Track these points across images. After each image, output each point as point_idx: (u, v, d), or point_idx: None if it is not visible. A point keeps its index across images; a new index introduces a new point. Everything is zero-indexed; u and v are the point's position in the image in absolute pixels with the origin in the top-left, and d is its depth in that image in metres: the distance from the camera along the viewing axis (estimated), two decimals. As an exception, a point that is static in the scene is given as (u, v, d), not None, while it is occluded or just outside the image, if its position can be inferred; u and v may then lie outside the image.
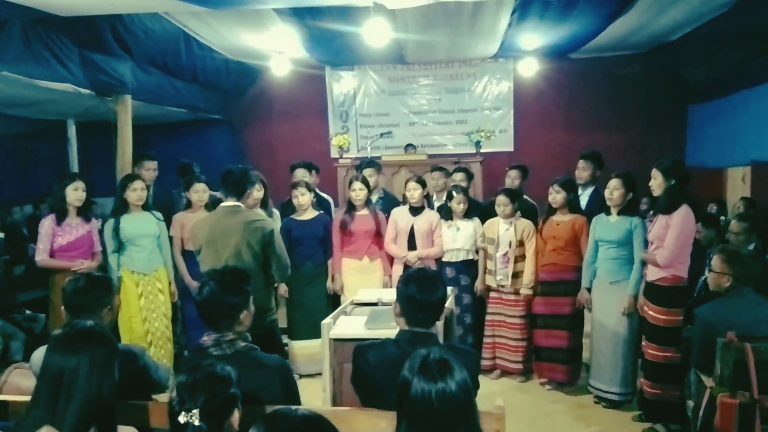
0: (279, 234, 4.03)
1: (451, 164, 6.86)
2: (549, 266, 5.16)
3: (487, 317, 5.47)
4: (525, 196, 6.20)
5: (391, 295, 4.00)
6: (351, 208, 5.57)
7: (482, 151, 7.69)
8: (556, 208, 5.16)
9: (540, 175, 7.14)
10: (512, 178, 6.20)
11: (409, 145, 8.78)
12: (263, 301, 3.89)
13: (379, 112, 9.48)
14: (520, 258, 5.32)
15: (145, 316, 5.00)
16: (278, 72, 8.32)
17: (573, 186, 5.26)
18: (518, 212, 5.50)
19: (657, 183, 4.34)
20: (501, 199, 5.35)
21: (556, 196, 5.12)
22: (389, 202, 6.16)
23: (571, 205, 5.17)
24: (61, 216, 4.88)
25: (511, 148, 9.17)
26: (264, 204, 5.45)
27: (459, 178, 6.10)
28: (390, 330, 3.19)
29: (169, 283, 5.22)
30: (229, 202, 4.03)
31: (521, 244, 5.32)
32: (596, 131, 8.90)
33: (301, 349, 5.46)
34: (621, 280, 4.70)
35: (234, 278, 2.62)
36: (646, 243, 4.56)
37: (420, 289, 2.51)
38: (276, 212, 5.79)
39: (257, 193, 5.38)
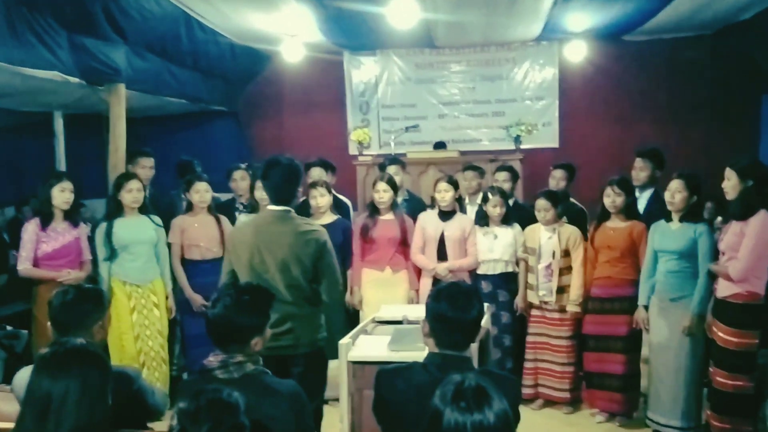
0: (332, 246, 3.90)
1: (487, 162, 6.85)
2: (602, 280, 5.13)
3: (529, 338, 5.44)
4: (572, 199, 6.17)
5: (418, 312, 4.01)
6: (374, 211, 5.58)
7: (522, 147, 7.65)
8: (613, 212, 5.13)
9: (589, 175, 7.08)
10: (557, 179, 6.16)
11: (438, 141, 8.77)
12: (312, 318, 3.84)
13: (405, 103, 9.47)
14: (566, 270, 5.29)
15: (137, 334, 5.05)
16: (290, 58, 8.36)
17: (631, 188, 5.22)
18: (563, 218, 5.46)
19: (731, 184, 4.29)
20: (541, 203, 5.33)
21: (617, 198, 5.09)
22: (415, 206, 6.17)
23: (628, 209, 5.13)
24: (46, 220, 4.94)
25: (555, 144, 9.11)
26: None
27: (502, 177, 6.08)
28: (417, 352, 3.20)
29: (166, 297, 5.27)
30: (277, 207, 3.83)
31: (567, 254, 5.29)
32: (655, 125, 8.81)
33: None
34: (683, 297, 4.65)
35: (253, 297, 2.63)
36: (712, 253, 4.50)
37: (453, 306, 2.50)
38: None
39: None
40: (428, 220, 5.61)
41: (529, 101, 9.23)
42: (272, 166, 3.80)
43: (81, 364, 2.11)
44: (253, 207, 5.68)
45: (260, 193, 5.51)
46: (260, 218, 3.98)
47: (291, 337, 3.71)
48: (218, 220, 5.50)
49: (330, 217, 5.59)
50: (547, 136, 9.06)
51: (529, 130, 7.70)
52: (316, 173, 6.22)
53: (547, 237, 5.34)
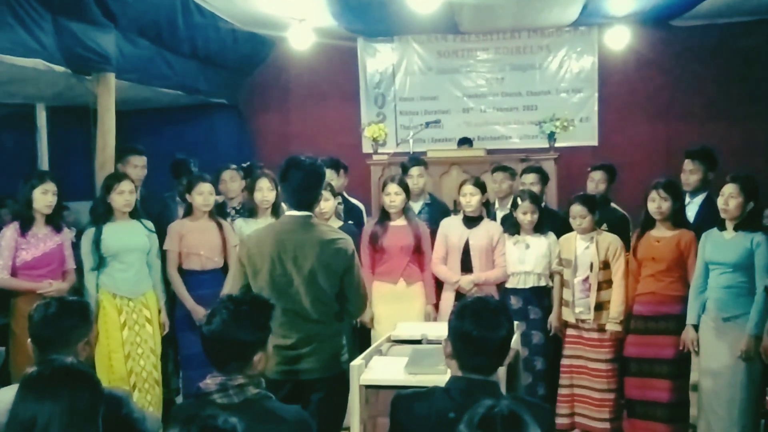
0: (357, 257, 3.90)
1: (517, 162, 6.83)
2: (646, 296, 5.10)
3: (564, 361, 5.42)
4: (613, 205, 6.15)
5: (439, 330, 4.01)
6: (384, 217, 5.59)
7: (557, 145, 7.62)
8: (659, 220, 5.10)
9: (631, 178, 7.04)
10: (596, 182, 6.14)
11: (463, 138, 8.77)
12: (336, 337, 3.83)
13: (425, 95, 9.48)
14: (605, 284, 5.27)
15: (128, 352, 5.06)
16: (298, 45, 8.39)
17: (679, 192, 5.20)
18: (603, 225, 5.44)
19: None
20: (576, 210, 5.31)
21: (663, 203, 5.06)
22: (437, 211, 6.17)
23: (676, 216, 5.10)
24: (26, 225, 4.97)
25: (594, 142, 9.08)
26: (276, 211, 5.50)
27: (530, 180, 6.06)
28: (438, 376, 3.19)
29: (159, 311, 5.29)
30: (297, 212, 3.81)
31: (606, 266, 5.27)
32: (707, 122, 8.76)
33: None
34: (739, 316, 4.62)
35: (252, 309, 2.64)
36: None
37: (478, 325, 2.50)
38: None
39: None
40: (451, 226, 5.60)
41: (564, 94, 9.21)
42: (293, 166, 3.78)
43: (70, 385, 2.13)
44: (251, 211, 5.68)
45: (261, 195, 5.52)
46: (280, 225, 3.94)
47: (314, 359, 3.70)
48: (220, 227, 5.52)
49: (334, 223, 5.58)
50: (584, 133, 9.03)
51: (564, 127, 7.66)
52: (327, 174, 6.22)
53: (584, 247, 5.32)
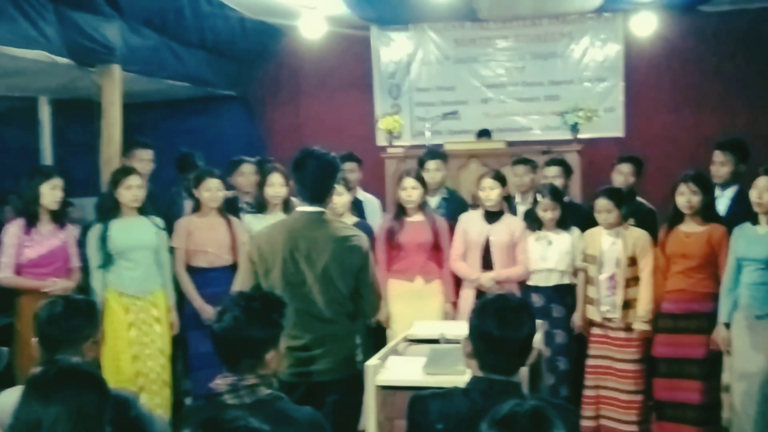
0: (372, 255, 3.94)
1: (539, 154, 6.82)
2: (675, 293, 5.10)
3: (589, 362, 5.42)
4: (639, 198, 6.13)
5: (458, 329, 4.01)
6: (401, 212, 5.60)
7: (581, 136, 7.60)
8: (689, 214, 5.08)
9: (658, 170, 7.02)
10: (625, 174, 6.14)
11: (482, 130, 8.76)
12: (351, 337, 3.86)
13: (442, 85, 9.46)
14: (632, 281, 5.26)
15: (136, 353, 5.11)
16: (309, 34, 8.40)
17: (709, 185, 5.18)
18: (630, 220, 5.43)
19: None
20: (602, 204, 5.30)
21: (692, 197, 5.05)
22: (456, 206, 6.17)
23: (707, 210, 5.09)
24: (31, 221, 5.02)
25: (620, 133, 9.03)
26: (287, 207, 5.52)
27: (552, 173, 6.06)
28: (457, 376, 3.19)
29: (168, 311, 5.32)
30: (310, 207, 3.84)
31: (633, 262, 5.26)
32: (738, 112, 8.70)
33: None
34: (773, 314, 4.61)
35: (264, 305, 2.66)
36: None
37: (500, 323, 2.50)
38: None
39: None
40: (471, 222, 5.60)
41: (588, 83, 9.16)
42: (308, 156, 3.82)
43: (77, 386, 2.14)
44: (261, 206, 5.70)
45: (273, 190, 5.54)
46: (292, 221, 3.97)
47: (328, 360, 3.73)
48: (229, 223, 5.54)
49: (348, 220, 5.60)
50: (609, 124, 8.99)
51: (588, 117, 7.64)
52: (347, 167, 6.24)
53: (610, 243, 5.31)
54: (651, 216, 5.99)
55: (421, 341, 4.23)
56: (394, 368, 3.77)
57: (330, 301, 3.73)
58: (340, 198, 5.52)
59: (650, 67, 9.03)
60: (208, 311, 5.28)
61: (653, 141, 8.68)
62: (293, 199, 5.31)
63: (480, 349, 2.54)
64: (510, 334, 2.50)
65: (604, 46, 9.12)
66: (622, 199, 5.36)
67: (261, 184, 5.73)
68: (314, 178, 3.81)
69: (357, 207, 6.19)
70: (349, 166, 6.33)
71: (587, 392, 5.41)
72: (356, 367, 3.83)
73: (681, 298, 5.07)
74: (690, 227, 5.10)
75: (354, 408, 3.83)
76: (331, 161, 3.87)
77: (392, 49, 9.55)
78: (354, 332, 3.89)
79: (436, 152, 6.42)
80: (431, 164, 6.11)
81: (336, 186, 5.43)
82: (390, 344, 4.26)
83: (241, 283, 3.90)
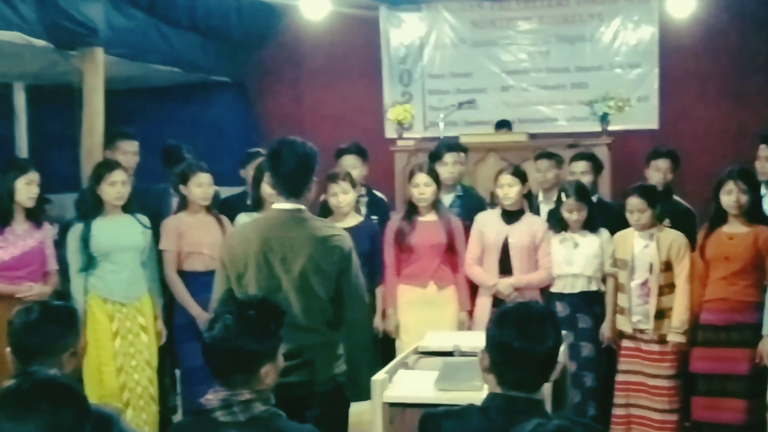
0: (356, 255, 3.94)
1: (565, 148, 6.82)
2: (715, 302, 5.10)
3: (619, 377, 5.42)
4: (676, 197, 6.12)
5: (474, 340, 4.01)
6: (412, 211, 5.61)
7: (611, 128, 7.58)
8: (735, 214, 5.08)
9: (696, 166, 7.01)
10: (662, 171, 6.13)
11: (501, 121, 8.75)
12: (331, 347, 3.87)
13: (458, 71, 9.45)
14: (667, 288, 5.26)
15: (120, 365, 5.12)
16: (312, 15, 8.41)
17: (756, 182, 5.18)
18: (665, 220, 5.42)
19: None
20: (634, 203, 5.29)
21: (741, 196, 5.05)
22: (471, 203, 6.17)
23: (752, 210, 5.08)
24: (4, 220, 5.03)
25: (654, 125, 9.01)
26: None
27: (580, 169, 6.05)
28: (472, 393, 3.20)
29: (155, 318, 5.34)
30: (286, 204, 3.87)
31: (668, 267, 5.25)
32: (785, 101, 8.69)
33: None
34: (823, 326, 4.61)
35: (260, 313, 2.65)
36: None
37: (520, 334, 2.49)
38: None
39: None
40: (488, 222, 5.60)
41: (619, 69, 9.14)
42: (281, 149, 3.84)
43: (52, 401, 2.13)
44: (256, 204, 5.71)
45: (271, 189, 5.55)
46: (266, 220, 4.00)
47: (306, 372, 3.73)
48: (220, 222, 5.56)
49: (354, 219, 5.62)
50: (643, 115, 8.96)
51: (619, 107, 7.63)
52: (350, 162, 6.23)
53: (643, 246, 5.30)
54: (689, 216, 5.98)
55: (434, 354, 4.22)
56: (404, 383, 3.77)
57: (307, 307, 3.75)
58: (346, 196, 5.53)
59: (688, 52, 9.01)
60: (206, 318, 5.27)
61: (690, 134, 8.66)
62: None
63: (498, 363, 2.53)
64: (531, 346, 2.49)
65: (638, 28, 9.09)
66: (656, 197, 5.35)
67: (257, 180, 5.72)
68: (291, 170, 3.82)
69: (375, 206, 6.17)
70: (351, 161, 6.30)
71: (617, 411, 5.42)
72: (337, 379, 3.86)
73: (722, 308, 5.07)
74: (734, 228, 5.10)
75: (337, 424, 3.86)
76: (309, 152, 3.88)
77: (403, 31, 9.54)
78: (335, 342, 3.90)
79: (453, 144, 6.42)
80: (449, 158, 6.09)
81: (341, 183, 5.51)
82: (399, 357, 4.27)
83: (215, 289, 3.93)
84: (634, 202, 5.30)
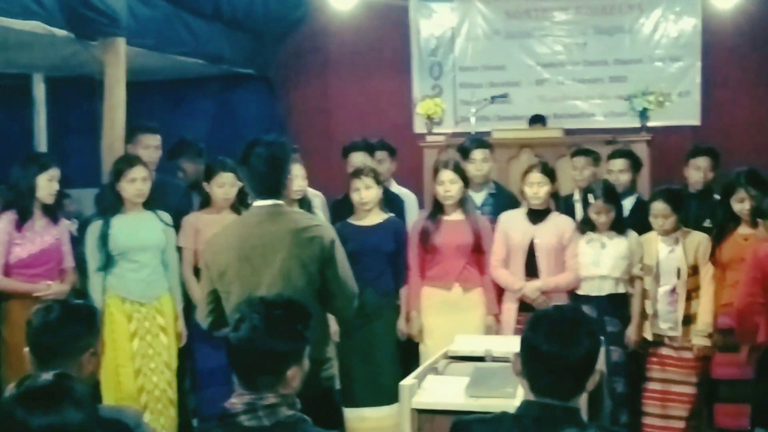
0: (341, 246, 3.99)
1: (602, 145, 6.78)
2: (730, 306, 5.06)
3: (649, 385, 5.42)
4: (716, 196, 6.07)
5: (505, 344, 4.00)
6: (437, 209, 5.60)
7: (650, 124, 7.54)
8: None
9: (738, 165, 6.95)
10: (703, 170, 6.09)
11: (536, 116, 8.73)
12: (317, 346, 3.89)
13: (490, 64, 9.44)
14: (695, 293, 5.26)
15: (139, 367, 5.15)
16: (340, 4, 8.42)
17: (763, 182, 5.19)
18: (706, 221, 5.41)
19: None
20: (658, 207, 5.27)
21: (751, 201, 5.09)
22: (504, 202, 6.14)
23: (758, 211, 5.08)
24: (23, 216, 5.06)
25: (695, 121, 8.97)
26: (303, 203, 5.53)
27: (618, 167, 6.02)
28: (505, 400, 3.19)
29: (175, 319, 5.36)
30: (265, 201, 3.93)
31: (695, 271, 5.24)
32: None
33: (359, 421, 5.52)
34: None
35: (288, 314, 2.66)
36: None
37: (551, 338, 2.47)
38: (320, 215, 5.84)
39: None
40: (513, 222, 5.58)
41: (660, 63, 9.10)
42: (255, 145, 3.90)
43: (58, 406, 2.12)
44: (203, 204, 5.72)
45: (297, 183, 5.54)
46: (245, 218, 4.11)
47: None
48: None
49: (378, 216, 5.62)
50: (684, 110, 8.92)
51: (659, 102, 7.58)
52: (359, 159, 6.25)
53: (668, 251, 5.30)
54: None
55: (464, 359, 4.23)
56: (433, 389, 3.77)
57: None
58: (369, 192, 5.52)
59: (732, 45, 8.95)
60: None
61: (733, 130, 8.61)
62: (310, 190, 5.31)
63: (530, 368, 2.52)
64: (561, 351, 2.46)
65: (679, 19, 9.05)
66: (681, 202, 5.31)
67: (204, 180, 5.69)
68: (263, 170, 3.88)
69: (392, 203, 6.17)
70: (379, 155, 6.32)
71: (647, 420, 5.41)
72: (324, 383, 3.87)
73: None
74: (746, 229, 5.14)
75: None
76: (280, 148, 3.94)
77: (434, 22, 9.53)
78: (323, 340, 3.92)
79: (481, 140, 6.40)
80: (477, 154, 6.08)
81: (364, 178, 5.50)
82: (428, 361, 4.26)
83: (200, 292, 4.00)
84: (658, 206, 5.26)
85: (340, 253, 3.96)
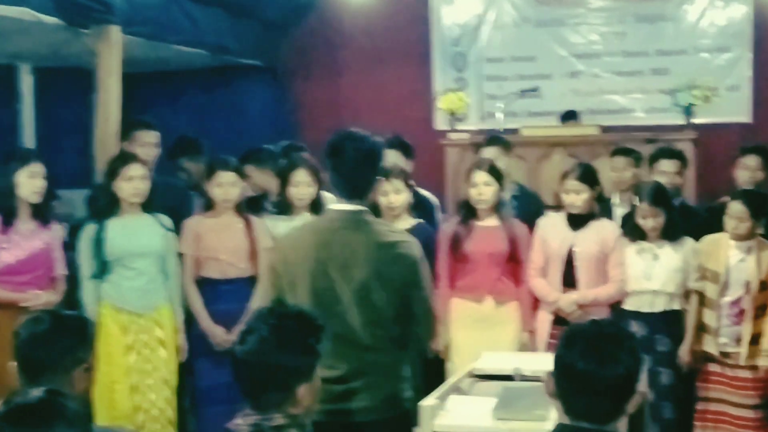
0: (427, 265, 3.93)
1: (642, 143, 6.78)
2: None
3: (700, 406, 5.40)
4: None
5: (536, 362, 4.00)
6: (469, 214, 5.60)
7: (696, 121, 7.55)
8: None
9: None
10: (752, 169, 6.09)
11: (569, 112, 8.73)
12: (395, 368, 3.83)
13: (519, 55, 9.45)
14: (762, 311, 5.21)
15: (135, 383, 5.16)
16: (353, -11, 8.44)
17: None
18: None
19: None
20: (736, 209, 5.23)
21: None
22: (528, 206, 6.16)
23: None
24: (8, 218, 5.08)
25: (746, 118, 8.95)
26: (316, 207, 5.55)
27: (666, 168, 5.99)
28: (536, 423, 3.19)
29: (175, 331, 5.37)
30: (347, 205, 3.81)
31: (765, 287, 5.20)
32: None
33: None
34: None
35: (299, 326, 2.67)
36: None
37: (588, 356, 2.47)
38: None
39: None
40: (551, 228, 5.58)
41: (706, 54, 9.09)
42: (344, 141, 3.80)
43: (49, 425, 2.13)
44: (283, 207, 5.71)
45: (299, 191, 5.56)
46: (324, 222, 3.98)
47: (368, 397, 3.71)
48: (248, 224, 5.57)
49: (406, 222, 5.62)
50: (733, 106, 8.91)
51: (706, 97, 7.59)
52: (390, 158, 6.25)
53: (739, 259, 5.27)
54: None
55: (491, 377, 4.22)
56: (457, 410, 3.76)
57: (369, 323, 3.70)
58: (399, 196, 5.54)
59: (787, 34, 8.93)
60: (217, 333, 5.33)
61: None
62: (326, 194, 5.31)
63: (564, 388, 2.51)
64: (597, 370, 2.45)
65: (728, 6, 9.04)
66: (764, 206, 5.27)
67: (284, 181, 5.70)
68: (354, 167, 3.77)
69: (420, 207, 6.18)
70: (392, 155, 6.28)
71: (697, 445, 5.39)
72: (403, 405, 3.82)
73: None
74: None
75: None
76: (374, 146, 3.85)
77: (457, 8, 9.56)
78: (400, 362, 3.86)
79: (495, 137, 6.44)
80: (488, 152, 6.18)
81: (393, 181, 5.51)
82: (451, 380, 4.26)
83: (261, 298, 3.93)
84: (737, 208, 5.22)
85: (426, 272, 3.89)
